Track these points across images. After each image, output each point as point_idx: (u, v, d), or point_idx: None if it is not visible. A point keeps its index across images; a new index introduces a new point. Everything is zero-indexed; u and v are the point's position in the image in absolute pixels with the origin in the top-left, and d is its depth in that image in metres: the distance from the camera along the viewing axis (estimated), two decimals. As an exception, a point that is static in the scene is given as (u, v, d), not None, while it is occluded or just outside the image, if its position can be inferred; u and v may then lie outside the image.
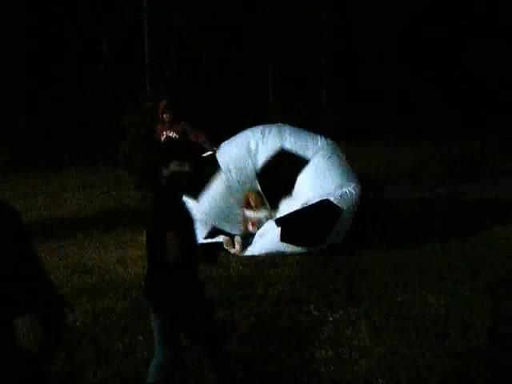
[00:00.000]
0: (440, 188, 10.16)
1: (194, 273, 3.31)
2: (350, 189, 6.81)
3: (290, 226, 6.68)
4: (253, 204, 7.40)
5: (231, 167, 7.49)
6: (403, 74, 17.19)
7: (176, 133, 7.62)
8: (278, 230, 6.58)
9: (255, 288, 5.56)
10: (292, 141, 7.39)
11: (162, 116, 7.70)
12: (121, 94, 16.03)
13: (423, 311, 4.83)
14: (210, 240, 7.03)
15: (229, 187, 7.49)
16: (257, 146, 7.49)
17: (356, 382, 3.81)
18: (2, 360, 1.81)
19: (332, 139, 7.53)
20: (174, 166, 3.27)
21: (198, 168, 3.19)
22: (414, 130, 15.87)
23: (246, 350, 4.30)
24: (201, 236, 6.98)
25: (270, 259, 6.46)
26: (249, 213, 7.40)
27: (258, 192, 7.52)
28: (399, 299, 5.11)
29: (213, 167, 7.51)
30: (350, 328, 4.56)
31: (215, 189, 7.44)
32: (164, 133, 7.69)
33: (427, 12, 17.44)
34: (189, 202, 7.05)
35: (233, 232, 7.24)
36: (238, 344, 4.40)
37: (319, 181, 7.01)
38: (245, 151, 7.49)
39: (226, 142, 7.75)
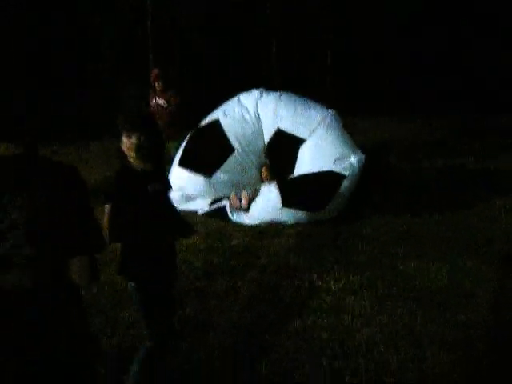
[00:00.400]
0: (439, 160, 10.07)
1: (155, 247, 3.11)
2: (353, 159, 6.82)
3: (292, 190, 6.75)
4: (265, 177, 7.43)
5: (243, 144, 7.52)
6: (403, 74, 16.97)
7: (165, 100, 7.85)
8: (278, 194, 6.61)
9: (257, 258, 5.59)
10: (287, 119, 7.35)
11: (154, 84, 7.93)
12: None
13: (425, 281, 4.85)
14: (214, 206, 7.05)
15: (242, 167, 7.56)
16: (259, 123, 7.55)
17: (358, 349, 3.85)
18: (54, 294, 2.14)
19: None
20: (123, 138, 3.08)
21: (154, 140, 2.94)
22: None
23: (247, 320, 4.34)
24: (207, 203, 7.13)
25: (273, 229, 6.49)
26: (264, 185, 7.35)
27: (268, 165, 7.56)
28: (401, 268, 5.13)
29: (224, 145, 7.46)
30: (352, 297, 4.58)
31: (227, 168, 7.46)
32: (153, 100, 7.94)
33: (427, 12, 17.18)
34: (200, 178, 7.24)
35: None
36: (239, 313, 4.44)
37: (319, 155, 7.01)
38: (252, 131, 7.52)
39: (226, 112, 7.64)
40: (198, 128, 7.71)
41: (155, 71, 8.09)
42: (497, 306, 4.42)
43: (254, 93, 7.72)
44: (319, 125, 7.20)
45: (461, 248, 5.62)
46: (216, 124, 7.56)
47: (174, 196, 7.02)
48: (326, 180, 6.76)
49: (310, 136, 7.17)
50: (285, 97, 7.61)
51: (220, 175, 7.41)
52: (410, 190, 7.76)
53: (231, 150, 7.47)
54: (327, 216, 6.64)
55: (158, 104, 7.83)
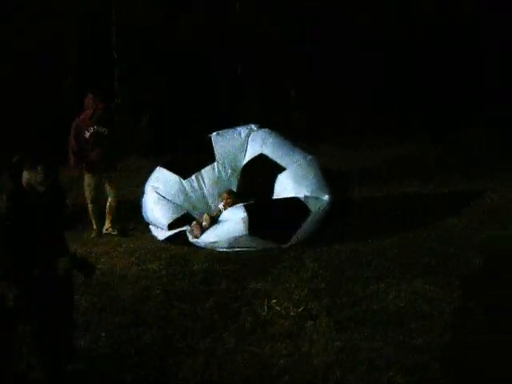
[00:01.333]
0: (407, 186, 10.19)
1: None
2: (322, 196, 6.97)
3: (259, 218, 6.76)
4: (226, 202, 7.43)
5: (225, 159, 7.81)
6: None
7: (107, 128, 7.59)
8: (246, 221, 6.62)
9: (218, 284, 5.58)
10: (272, 148, 7.66)
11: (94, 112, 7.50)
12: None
13: (383, 305, 4.90)
14: (174, 231, 7.06)
15: (217, 178, 7.75)
16: (245, 146, 7.87)
17: (315, 375, 3.86)
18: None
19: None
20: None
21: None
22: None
23: (205, 345, 4.34)
24: (166, 219, 7.23)
25: (234, 253, 6.50)
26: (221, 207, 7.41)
27: (230, 192, 7.61)
28: (360, 294, 5.17)
29: (207, 154, 7.79)
30: (311, 322, 4.61)
31: (204, 175, 7.74)
32: (92, 128, 7.48)
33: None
34: (175, 178, 7.60)
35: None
36: (199, 338, 4.43)
37: (293, 185, 7.16)
38: (237, 150, 7.85)
39: (220, 133, 8.01)
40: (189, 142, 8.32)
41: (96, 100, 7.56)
42: (453, 328, 4.49)
43: (251, 125, 8.13)
44: (300, 159, 7.48)
45: (419, 271, 5.68)
46: (207, 139, 7.98)
47: (150, 197, 7.45)
48: (292, 212, 6.86)
49: (289, 167, 7.38)
50: (275, 133, 8.01)
51: (194, 180, 7.67)
52: (370, 217, 7.86)
53: (212, 159, 7.79)
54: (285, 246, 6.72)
55: (97, 132, 7.45)
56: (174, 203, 7.45)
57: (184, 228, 7.00)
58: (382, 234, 6.97)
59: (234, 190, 7.71)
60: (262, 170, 7.55)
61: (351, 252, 6.40)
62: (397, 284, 5.32)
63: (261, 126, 8.20)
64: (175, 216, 7.30)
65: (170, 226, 7.18)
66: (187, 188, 7.63)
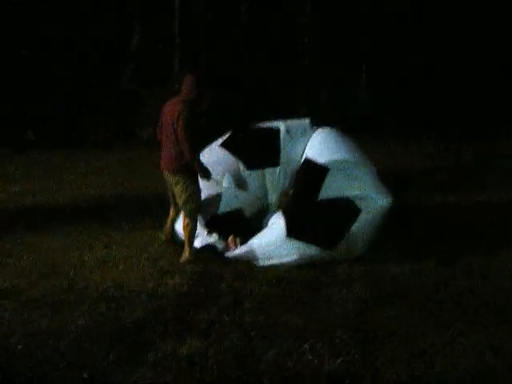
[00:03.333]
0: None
1: None
2: (378, 196, 5.85)
3: (300, 217, 5.83)
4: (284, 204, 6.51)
5: (287, 168, 6.78)
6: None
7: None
8: (284, 222, 5.66)
9: (242, 314, 4.60)
10: (316, 149, 6.54)
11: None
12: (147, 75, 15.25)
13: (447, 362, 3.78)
14: (206, 241, 6.10)
15: (276, 183, 6.78)
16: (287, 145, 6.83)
17: None
18: None
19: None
20: None
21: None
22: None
23: None
24: (213, 209, 6.27)
25: (270, 272, 5.50)
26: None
27: (287, 192, 6.67)
28: (417, 347, 4.06)
29: (273, 154, 6.75)
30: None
31: (266, 175, 6.75)
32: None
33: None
34: (237, 163, 6.61)
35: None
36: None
37: (340, 186, 6.05)
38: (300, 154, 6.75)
39: (289, 127, 6.92)
40: (252, 127, 7.09)
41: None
42: None
43: (306, 121, 7.04)
44: (347, 159, 6.32)
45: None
46: (275, 132, 6.86)
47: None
48: (338, 211, 5.81)
49: (333, 167, 6.24)
50: (324, 130, 6.87)
51: (259, 175, 6.70)
52: (439, 230, 6.70)
53: (277, 162, 6.76)
54: (334, 256, 5.64)
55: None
56: (229, 193, 6.44)
57: (212, 240, 6.06)
58: (454, 255, 5.83)
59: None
60: (308, 174, 6.49)
61: (411, 276, 5.28)
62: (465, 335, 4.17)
63: (315, 121, 7.16)
64: (226, 209, 6.34)
65: (212, 220, 6.22)
66: (249, 180, 6.63)
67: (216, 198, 6.36)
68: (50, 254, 6.07)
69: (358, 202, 5.76)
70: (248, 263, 5.68)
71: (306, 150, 6.78)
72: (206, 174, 5.70)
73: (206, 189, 6.30)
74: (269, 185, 6.73)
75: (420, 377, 3.54)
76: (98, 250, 6.21)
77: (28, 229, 6.92)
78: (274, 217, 5.96)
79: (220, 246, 6.04)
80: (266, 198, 6.73)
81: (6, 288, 5.14)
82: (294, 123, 7.05)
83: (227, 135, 7.01)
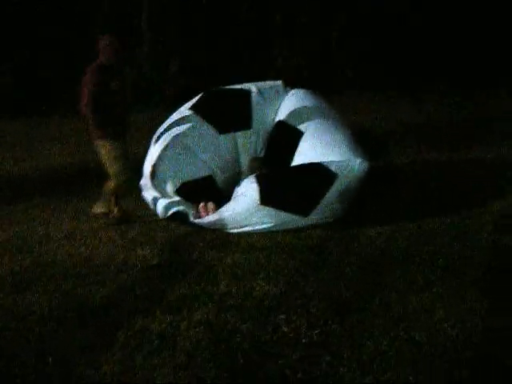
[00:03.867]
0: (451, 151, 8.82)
1: None
2: (353, 160, 5.66)
3: (274, 184, 5.65)
4: (249, 170, 6.35)
5: (260, 129, 6.60)
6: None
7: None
8: (258, 189, 5.45)
9: (214, 283, 4.42)
10: (288, 111, 6.45)
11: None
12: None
13: (427, 331, 3.66)
14: (174, 209, 5.87)
15: (248, 146, 6.61)
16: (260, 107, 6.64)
17: None
18: None
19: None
20: None
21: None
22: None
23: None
24: (183, 175, 6.11)
25: (242, 239, 5.32)
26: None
27: (257, 158, 6.47)
28: (396, 311, 3.93)
29: (245, 117, 6.55)
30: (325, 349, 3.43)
31: (238, 138, 6.57)
32: None
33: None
34: (209, 129, 6.38)
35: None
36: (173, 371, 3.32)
37: (314, 150, 5.90)
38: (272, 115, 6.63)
39: (260, 89, 6.70)
40: (223, 89, 6.93)
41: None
42: None
43: (278, 82, 6.92)
44: (322, 121, 6.26)
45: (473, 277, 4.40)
46: (247, 94, 6.66)
47: (171, 148, 6.11)
48: (313, 177, 5.63)
49: (308, 130, 6.11)
50: (296, 92, 6.77)
51: (230, 138, 6.50)
52: (416, 189, 6.57)
53: (248, 125, 6.57)
54: (309, 223, 5.48)
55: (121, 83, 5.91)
56: (200, 159, 6.25)
57: (183, 207, 5.84)
58: (430, 214, 5.71)
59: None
60: (281, 137, 6.32)
61: (387, 240, 5.15)
62: (446, 297, 4.05)
63: (287, 82, 6.94)
64: (196, 175, 6.16)
65: (182, 188, 6.02)
66: (221, 145, 6.43)
67: (186, 165, 6.14)
68: (14, 228, 5.83)
69: (333, 168, 5.59)
70: (220, 231, 5.51)
71: (278, 113, 6.57)
72: (102, 130, 5.61)
73: (176, 155, 6.09)
74: (240, 149, 6.51)
75: (400, 346, 3.41)
76: (65, 223, 5.99)
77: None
78: (246, 183, 5.75)
79: (191, 213, 5.84)
80: (237, 162, 6.51)
81: (-35, 265, 4.91)
82: (265, 85, 6.84)
83: (197, 98, 6.75)
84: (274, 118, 6.55)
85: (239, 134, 6.53)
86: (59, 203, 6.55)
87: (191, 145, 6.27)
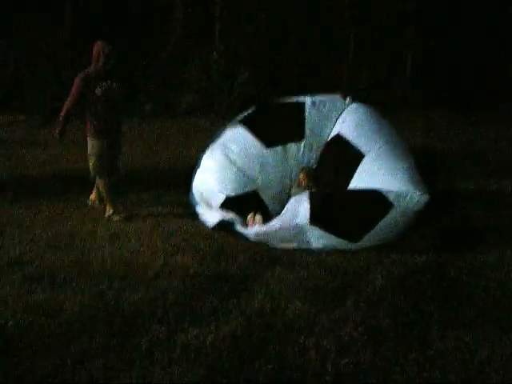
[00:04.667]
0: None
1: None
2: (412, 193, 5.40)
3: (325, 205, 5.43)
4: (302, 184, 6.21)
5: (313, 142, 6.45)
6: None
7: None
8: (308, 207, 5.28)
9: (248, 299, 4.27)
10: (351, 127, 6.25)
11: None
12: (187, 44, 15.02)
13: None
14: (220, 218, 5.79)
15: (300, 159, 6.46)
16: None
17: None
18: None
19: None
20: None
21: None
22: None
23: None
24: (227, 190, 5.98)
25: (288, 254, 5.16)
26: (295, 191, 6.18)
27: (309, 171, 6.34)
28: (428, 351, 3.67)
29: (297, 127, 6.42)
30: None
31: (288, 151, 6.43)
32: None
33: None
34: (256, 142, 6.28)
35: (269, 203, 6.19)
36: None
37: (374, 177, 5.68)
38: (328, 128, 6.49)
39: (315, 102, 6.59)
40: (277, 101, 6.89)
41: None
42: None
43: (347, 99, 6.69)
44: (385, 145, 5.99)
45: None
46: (300, 106, 6.55)
47: (216, 159, 6.15)
48: (368, 204, 5.42)
49: (369, 153, 5.93)
50: (363, 108, 6.57)
51: (279, 152, 6.36)
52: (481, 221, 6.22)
53: (301, 136, 6.43)
54: (356, 247, 5.26)
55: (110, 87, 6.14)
56: (245, 174, 6.15)
57: (230, 217, 5.74)
58: (489, 245, 5.43)
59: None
60: (340, 154, 6.13)
61: (438, 269, 4.87)
62: (492, 337, 3.76)
63: (357, 98, 6.74)
64: (241, 191, 6.04)
65: (227, 202, 5.91)
66: (268, 159, 6.27)
67: (231, 179, 6.05)
68: (62, 225, 5.90)
69: (390, 197, 5.34)
70: (263, 245, 5.36)
71: (337, 126, 6.40)
72: (60, 132, 6.05)
73: (221, 169, 6.04)
74: (291, 161, 6.36)
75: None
76: (112, 223, 6.01)
77: (44, 197, 6.77)
78: (298, 199, 5.54)
79: (238, 222, 5.72)
80: (287, 177, 6.36)
81: (11, 258, 4.97)
82: (321, 97, 6.66)
83: (249, 111, 6.68)
84: (331, 131, 6.37)
85: (290, 145, 6.38)
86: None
87: (236, 159, 6.18)
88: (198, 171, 6.28)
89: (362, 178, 5.74)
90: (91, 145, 6.13)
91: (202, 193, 6.13)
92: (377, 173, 5.67)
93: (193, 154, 7.72)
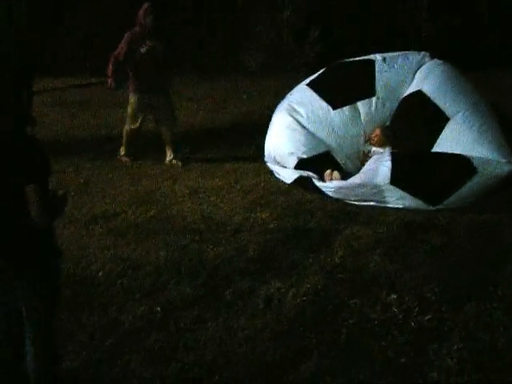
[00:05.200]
0: None
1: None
2: (498, 162, 5.21)
3: (407, 167, 5.34)
4: (375, 141, 6.10)
5: (386, 97, 6.26)
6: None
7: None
8: (389, 167, 5.21)
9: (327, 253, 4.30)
10: (434, 85, 5.99)
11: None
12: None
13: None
14: (298, 174, 5.80)
15: (373, 116, 6.26)
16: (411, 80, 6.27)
17: None
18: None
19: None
20: None
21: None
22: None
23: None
24: (299, 152, 5.97)
25: (366, 213, 5.13)
26: (374, 148, 6.09)
27: (384, 128, 6.20)
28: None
29: (367, 84, 6.29)
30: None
31: (360, 109, 6.28)
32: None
33: None
34: (323, 104, 6.20)
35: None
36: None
37: (462, 146, 5.46)
38: (402, 84, 6.29)
39: (386, 58, 6.43)
40: (344, 60, 6.78)
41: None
42: None
43: (424, 53, 6.49)
44: (471, 108, 5.72)
45: None
46: (370, 63, 6.42)
47: (283, 121, 6.19)
48: (452, 169, 5.26)
49: (454, 116, 5.68)
50: (447, 66, 6.30)
51: (347, 112, 6.22)
52: None
53: (372, 92, 6.27)
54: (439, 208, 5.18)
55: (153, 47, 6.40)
56: (314, 135, 6.13)
57: (308, 173, 5.74)
58: None
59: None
60: (420, 113, 5.94)
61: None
62: None
63: (435, 55, 6.50)
64: (313, 153, 6.02)
65: (300, 164, 5.90)
66: (336, 121, 6.19)
67: (301, 142, 6.03)
68: (143, 182, 6.06)
69: (475, 162, 5.18)
70: (341, 202, 5.35)
71: (416, 82, 6.21)
72: (112, 82, 6.44)
73: (291, 132, 6.04)
74: (365, 118, 6.23)
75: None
76: (191, 180, 6.12)
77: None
78: (380, 158, 5.45)
79: (316, 178, 5.70)
80: (361, 134, 6.24)
81: (96, 214, 5.17)
82: (392, 54, 6.49)
83: (318, 72, 6.60)
84: (407, 87, 6.20)
85: (362, 103, 6.25)
86: (187, 161, 6.69)
87: (305, 122, 6.16)
88: (268, 134, 6.34)
89: (447, 143, 5.57)
90: (131, 98, 6.52)
91: (274, 156, 6.16)
92: (462, 138, 5.47)
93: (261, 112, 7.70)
